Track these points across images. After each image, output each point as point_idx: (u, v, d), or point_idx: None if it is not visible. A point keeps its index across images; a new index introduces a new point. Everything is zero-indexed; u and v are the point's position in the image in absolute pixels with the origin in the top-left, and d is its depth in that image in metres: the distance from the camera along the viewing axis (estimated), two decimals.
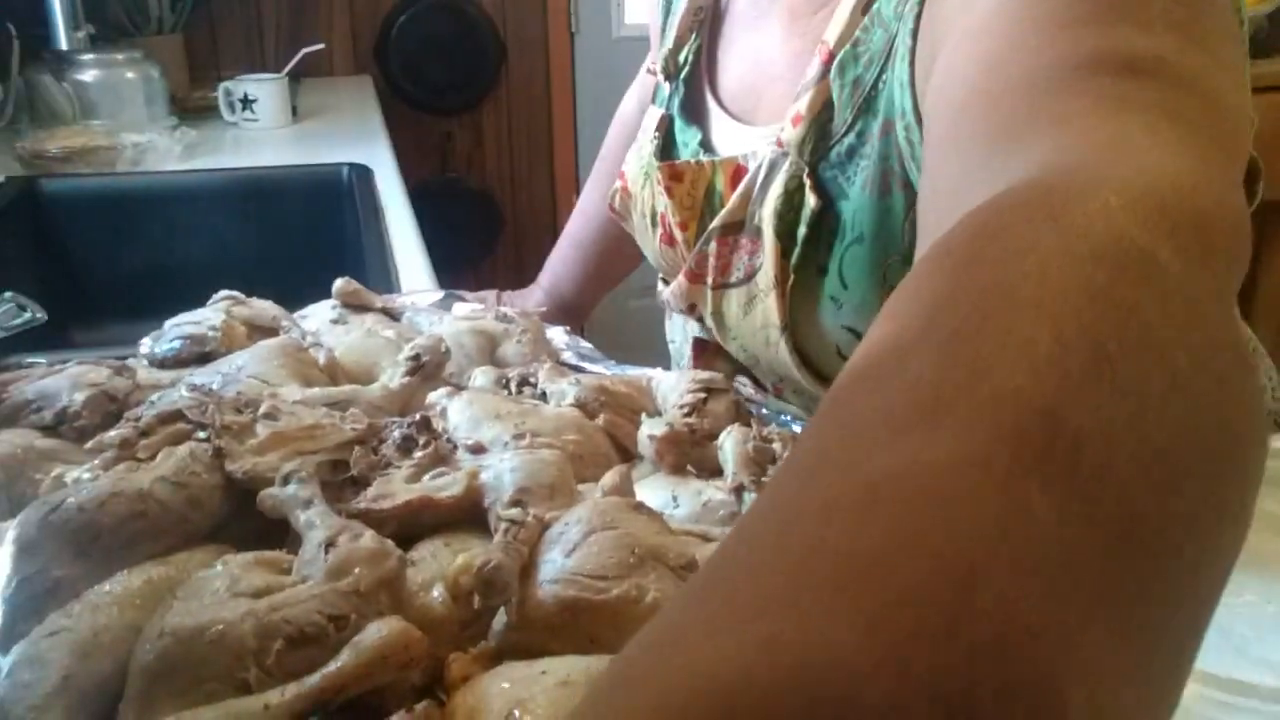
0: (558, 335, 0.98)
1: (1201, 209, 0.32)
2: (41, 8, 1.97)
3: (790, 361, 0.78)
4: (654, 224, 0.91)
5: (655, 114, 0.96)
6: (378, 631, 0.50)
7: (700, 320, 0.91)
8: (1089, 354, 0.25)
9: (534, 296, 1.23)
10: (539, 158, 3.07)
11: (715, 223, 0.83)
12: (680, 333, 1.03)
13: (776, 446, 0.65)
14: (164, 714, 0.48)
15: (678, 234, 0.88)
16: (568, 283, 1.24)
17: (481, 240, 3.03)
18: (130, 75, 2.08)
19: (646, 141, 0.95)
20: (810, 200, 0.77)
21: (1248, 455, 0.28)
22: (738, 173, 0.84)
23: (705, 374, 0.78)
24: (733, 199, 0.82)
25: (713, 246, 0.82)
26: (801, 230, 0.77)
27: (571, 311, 1.24)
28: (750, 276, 0.81)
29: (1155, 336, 0.26)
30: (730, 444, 0.67)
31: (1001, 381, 0.24)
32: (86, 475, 0.61)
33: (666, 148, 0.95)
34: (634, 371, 0.87)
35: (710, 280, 0.84)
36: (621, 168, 0.98)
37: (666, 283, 0.97)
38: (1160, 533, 0.24)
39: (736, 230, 0.82)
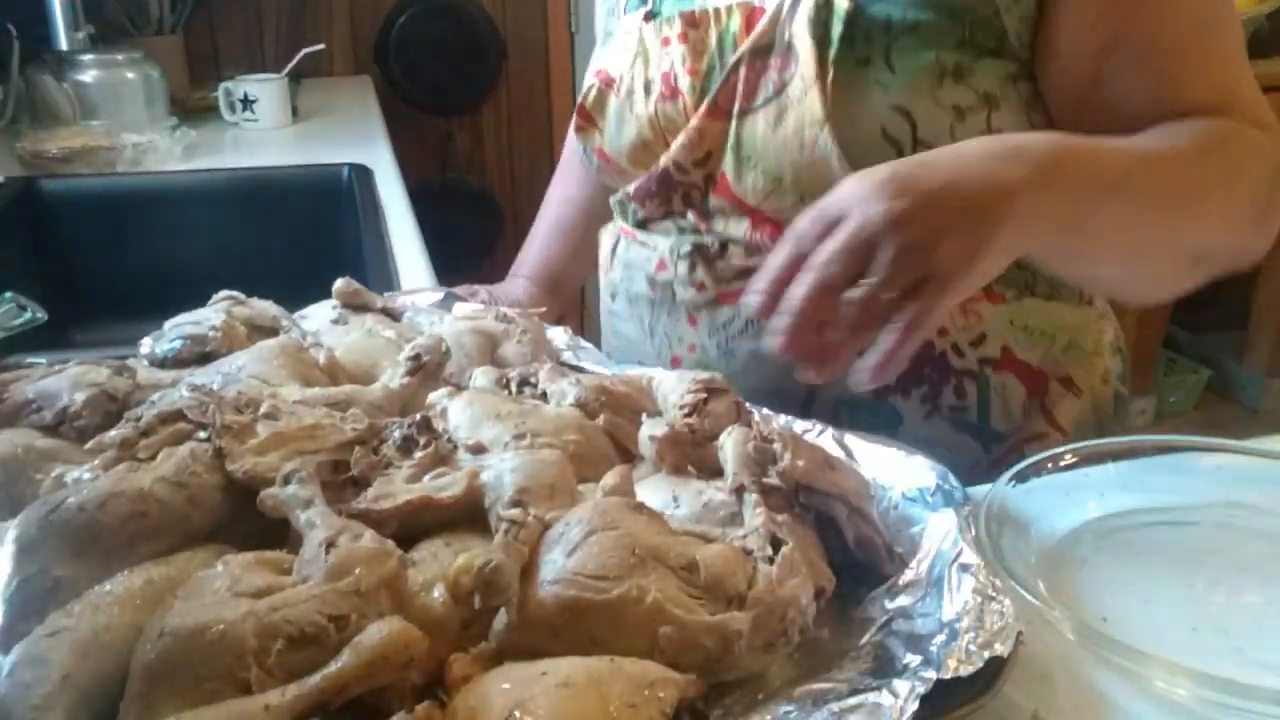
0: (558, 335, 0.98)
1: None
2: (42, 8, 1.97)
3: (832, 152, 0.83)
4: (647, 92, 0.94)
5: (634, 15, 0.99)
6: (378, 632, 0.50)
7: (695, 197, 0.93)
8: (1240, 187, 0.81)
9: (518, 285, 1.25)
10: (539, 157, 3.07)
11: (745, 46, 0.88)
12: (619, 282, 1.04)
13: (777, 447, 0.65)
14: (165, 714, 0.48)
15: (684, 83, 0.91)
16: (557, 264, 1.26)
17: (482, 240, 3.02)
18: (130, 75, 2.08)
19: (634, 27, 0.97)
20: (843, 2, 0.83)
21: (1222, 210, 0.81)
22: (752, 15, 0.89)
23: (706, 374, 0.78)
24: (762, 22, 0.87)
25: (741, 72, 0.88)
26: (837, 29, 0.83)
27: (561, 293, 1.26)
28: (780, 91, 0.86)
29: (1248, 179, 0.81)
30: (731, 444, 0.67)
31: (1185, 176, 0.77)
32: (87, 475, 0.61)
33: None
34: (634, 371, 0.87)
35: (736, 108, 0.88)
36: (595, 68, 1.01)
37: (626, 203, 0.99)
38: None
39: (765, 54, 0.87)
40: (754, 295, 0.68)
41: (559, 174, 1.30)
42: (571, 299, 1.29)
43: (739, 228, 0.92)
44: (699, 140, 0.91)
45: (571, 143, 1.27)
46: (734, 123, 0.89)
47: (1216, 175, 0.79)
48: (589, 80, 1.01)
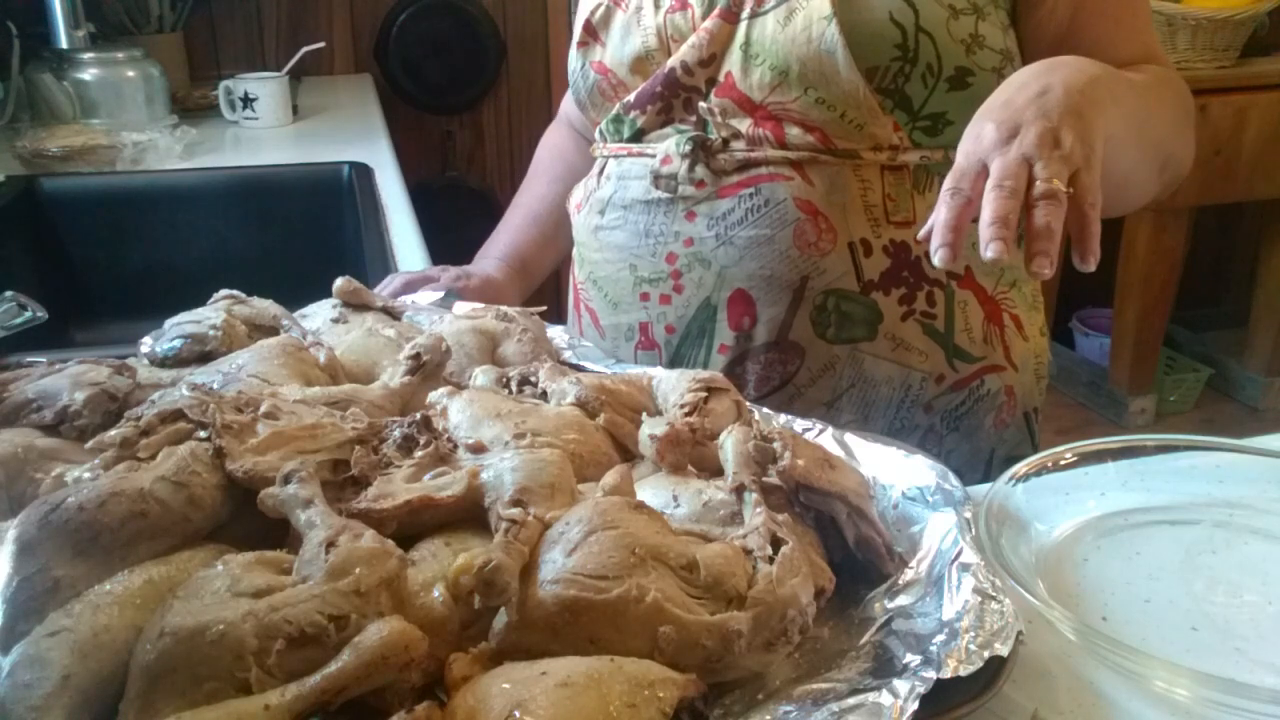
0: (558, 335, 0.98)
1: (1192, 104, 1.03)
2: (42, 6, 1.97)
3: (838, 43, 0.93)
4: (657, 7, 1.03)
5: None
6: (378, 632, 0.50)
7: (695, 102, 1.00)
8: (1183, 110, 1.01)
9: (489, 264, 1.28)
10: None
11: None
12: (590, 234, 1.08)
13: (777, 445, 0.65)
14: (164, 714, 0.48)
15: None
16: (528, 249, 1.31)
17: (482, 239, 3.01)
18: (130, 74, 2.08)
19: None
20: None
21: (1177, 127, 1.01)
22: None
23: (706, 373, 0.78)
24: None
25: None
26: None
27: (528, 277, 1.31)
28: None
29: (1183, 105, 1.01)
30: (731, 443, 0.67)
31: (1155, 93, 0.96)
32: (87, 475, 0.61)
33: None
34: (634, 371, 0.87)
35: (747, 11, 0.97)
36: None
37: (623, 117, 1.05)
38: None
39: None
40: (942, 249, 0.72)
41: (531, 176, 1.37)
42: (535, 285, 1.32)
43: (741, 124, 0.99)
44: (708, 41, 0.98)
45: (543, 149, 1.37)
46: (744, 24, 0.97)
47: (1166, 96, 0.98)
48: (594, 2, 1.07)
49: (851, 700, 0.52)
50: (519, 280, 1.27)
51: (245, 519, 0.61)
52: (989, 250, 0.70)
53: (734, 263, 0.99)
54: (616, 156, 1.07)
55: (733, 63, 0.98)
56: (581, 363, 0.92)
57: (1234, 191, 2.94)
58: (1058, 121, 0.75)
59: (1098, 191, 0.75)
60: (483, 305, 0.99)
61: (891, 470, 0.74)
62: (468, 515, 0.61)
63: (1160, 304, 3.05)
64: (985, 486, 0.76)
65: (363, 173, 1.82)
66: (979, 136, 0.76)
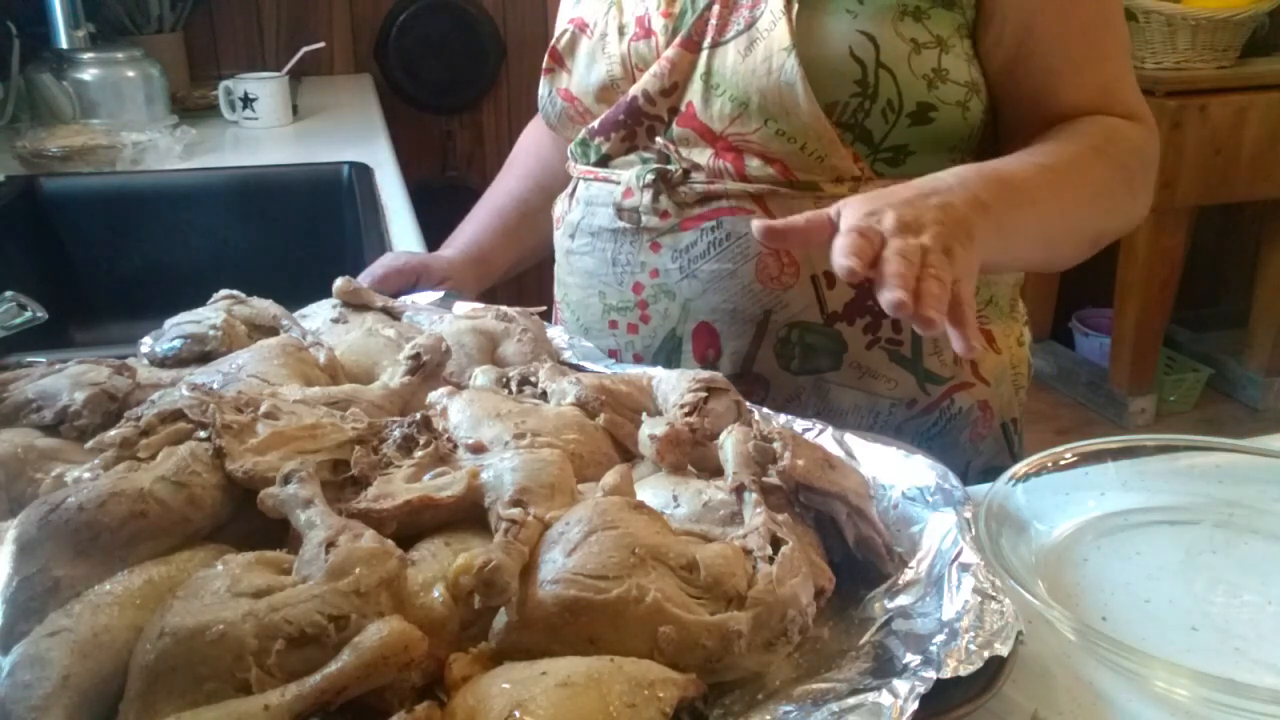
0: (558, 335, 0.98)
1: (1149, 156, 1.00)
2: (42, 6, 1.97)
3: (797, 75, 0.91)
4: (621, 34, 1.02)
5: None
6: (378, 632, 0.50)
7: (659, 130, 0.99)
8: (1122, 179, 0.96)
9: (445, 255, 1.26)
10: None
11: None
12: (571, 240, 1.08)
13: (777, 446, 0.65)
14: (164, 714, 0.48)
15: (658, 24, 1.00)
16: (487, 241, 1.29)
17: None
18: (130, 74, 2.08)
19: None
20: None
21: (1118, 201, 0.98)
22: None
23: (706, 373, 0.78)
24: None
25: (715, 10, 0.96)
26: None
27: (485, 268, 1.28)
28: (751, 25, 0.95)
29: (1128, 168, 0.98)
30: (731, 444, 0.67)
31: (1080, 179, 0.93)
32: (87, 475, 0.61)
33: None
34: (634, 371, 0.87)
35: (708, 41, 0.96)
36: (570, 16, 1.07)
37: (589, 141, 1.04)
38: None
39: None
40: (849, 260, 0.72)
41: (504, 169, 1.36)
42: (495, 279, 1.30)
43: (702, 156, 0.98)
44: (669, 70, 0.97)
45: (521, 141, 1.37)
46: (705, 54, 0.96)
47: (1107, 172, 0.95)
48: (561, 26, 1.06)
49: (851, 700, 0.52)
50: (473, 269, 1.24)
51: (245, 519, 0.61)
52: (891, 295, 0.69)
53: (698, 295, 0.99)
54: (585, 179, 1.06)
55: (694, 92, 0.97)
56: (581, 363, 0.92)
57: (1234, 191, 2.94)
58: (952, 231, 0.75)
59: (972, 300, 0.75)
60: (483, 305, 0.99)
61: (891, 470, 0.74)
62: (468, 515, 0.61)
63: (1160, 304, 3.05)
64: (985, 486, 0.76)
65: (363, 173, 1.82)
66: (878, 218, 0.74)
